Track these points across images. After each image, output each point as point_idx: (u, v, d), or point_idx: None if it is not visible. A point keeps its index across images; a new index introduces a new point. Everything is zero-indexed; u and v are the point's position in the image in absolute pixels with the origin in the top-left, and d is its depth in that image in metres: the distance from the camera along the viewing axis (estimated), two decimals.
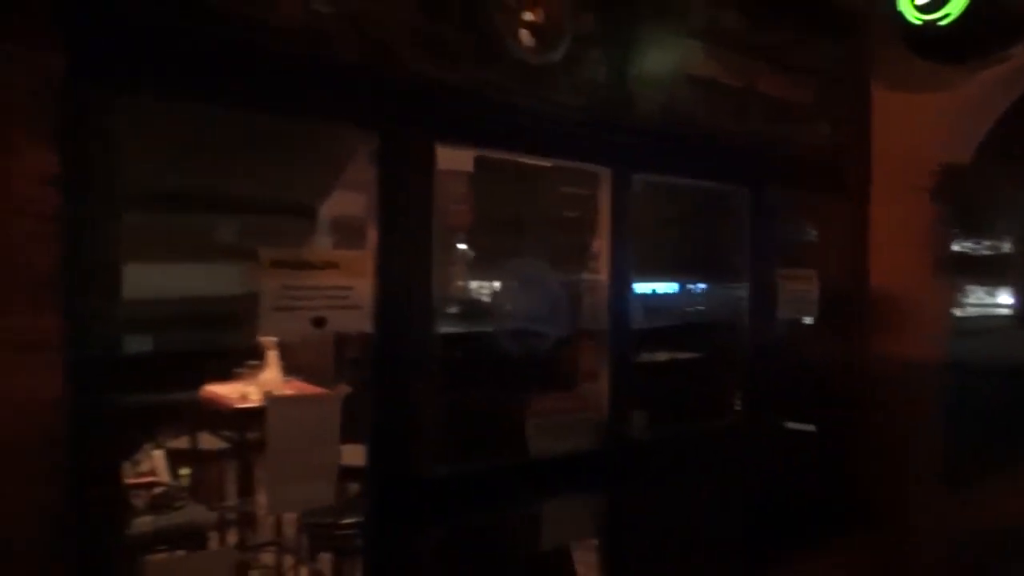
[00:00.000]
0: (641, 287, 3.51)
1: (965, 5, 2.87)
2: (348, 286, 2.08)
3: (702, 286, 3.96)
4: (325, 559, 3.16)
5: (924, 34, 3.07)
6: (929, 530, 3.78)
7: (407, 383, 2.19)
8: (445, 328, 2.67)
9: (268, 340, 3.52)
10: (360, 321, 2.10)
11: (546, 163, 2.61)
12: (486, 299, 2.47)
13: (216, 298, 2.29)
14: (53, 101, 1.41)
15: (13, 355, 1.32)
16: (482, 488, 2.40)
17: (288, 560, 2.83)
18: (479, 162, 2.35)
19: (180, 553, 2.07)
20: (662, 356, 3.43)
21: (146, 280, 2.13)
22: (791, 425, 3.77)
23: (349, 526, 2.77)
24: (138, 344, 2.20)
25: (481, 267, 2.61)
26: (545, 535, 2.54)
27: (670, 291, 4.12)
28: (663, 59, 2.87)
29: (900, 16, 3.16)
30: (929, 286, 3.73)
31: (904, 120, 3.71)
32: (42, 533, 1.50)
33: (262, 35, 1.88)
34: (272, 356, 3.49)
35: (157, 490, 2.65)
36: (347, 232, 2.47)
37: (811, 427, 3.87)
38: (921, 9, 3.06)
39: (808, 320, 3.57)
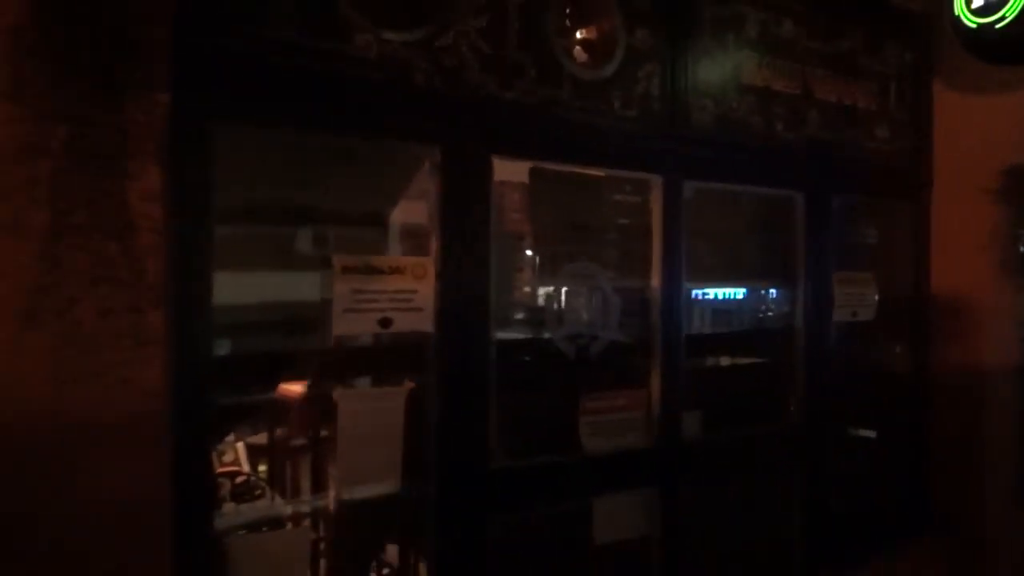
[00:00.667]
0: (696, 292, 3.62)
1: (1021, 7, 2.89)
2: (412, 289, 2.29)
3: (760, 291, 4.03)
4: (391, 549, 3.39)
5: (981, 38, 3.09)
6: (1002, 541, 3.75)
7: (468, 382, 2.37)
8: (509, 334, 2.86)
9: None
10: (423, 322, 2.30)
11: (599, 172, 2.76)
12: (545, 305, 2.63)
13: (296, 303, 2.52)
14: (161, 130, 1.65)
15: (135, 347, 1.56)
16: (539, 482, 2.57)
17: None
18: (534, 172, 2.53)
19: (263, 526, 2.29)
20: (716, 360, 3.53)
21: (235, 287, 2.37)
22: (853, 431, 3.82)
23: (414, 516, 2.97)
24: (227, 345, 2.45)
25: (539, 274, 2.78)
26: (600, 529, 2.68)
27: (727, 296, 4.20)
28: (716, 70, 3.00)
29: (958, 20, 3.19)
30: (995, 289, 3.72)
31: (968, 121, 3.71)
32: (145, 507, 1.73)
33: (340, 65, 2.10)
34: None
35: (239, 479, 2.91)
36: (413, 240, 2.67)
37: (871, 433, 3.91)
38: (976, 13, 3.09)
39: (869, 324, 3.60)
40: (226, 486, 2.97)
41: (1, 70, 1.45)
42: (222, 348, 2.43)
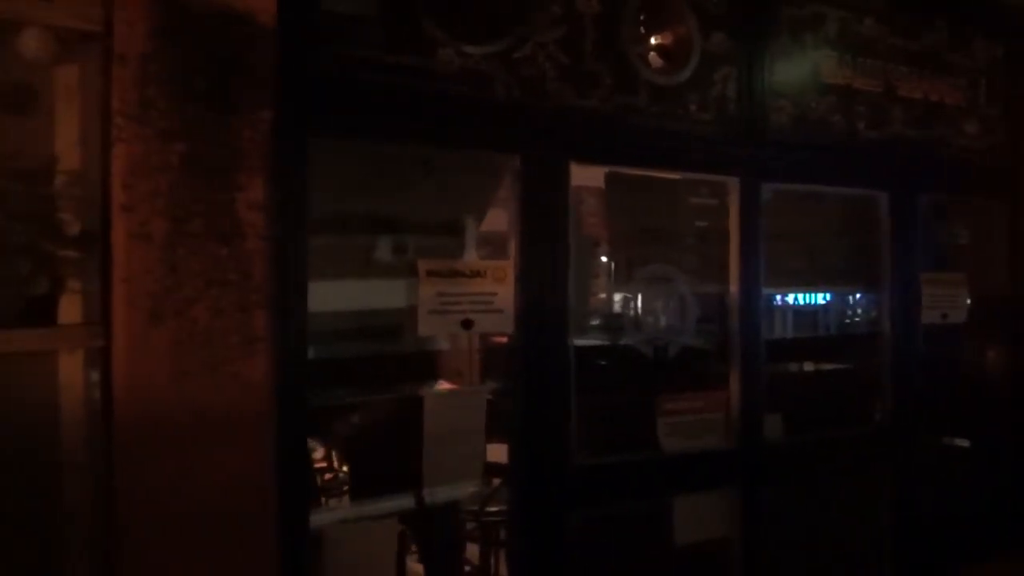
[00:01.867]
0: (777, 297, 3.61)
1: None
2: (493, 292, 2.39)
3: (845, 295, 3.98)
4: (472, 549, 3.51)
5: None
6: None
7: (548, 382, 2.46)
8: (587, 340, 2.94)
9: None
10: (503, 323, 2.40)
11: (675, 176, 2.81)
12: (624, 310, 2.70)
13: (383, 311, 2.66)
14: (266, 145, 1.81)
15: (242, 344, 1.72)
16: (618, 479, 2.63)
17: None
18: (611, 177, 2.60)
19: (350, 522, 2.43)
20: (800, 365, 3.51)
21: (326, 294, 2.53)
22: (944, 437, 3.72)
23: (494, 514, 3.08)
24: (319, 350, 2.62)
25: (616, 279, 2.85)
26: (680, 528, 2.72)
27: (809, 300, 4.16)
28: (794, 70, 3.01)
29: None
30: None
31: None
32: (250, 493, 1.89)
33: (424, 79, 2.24)
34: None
35: (328, 476, 3.08)
36: (490, 246, 2.79)
37: (964, 440, 3.79)
38: None
39: (962, 326, 3.51)
40: (317, 481, 3.14)
41: (130, 94, 1.63)
42: (315, 352, 2.61)
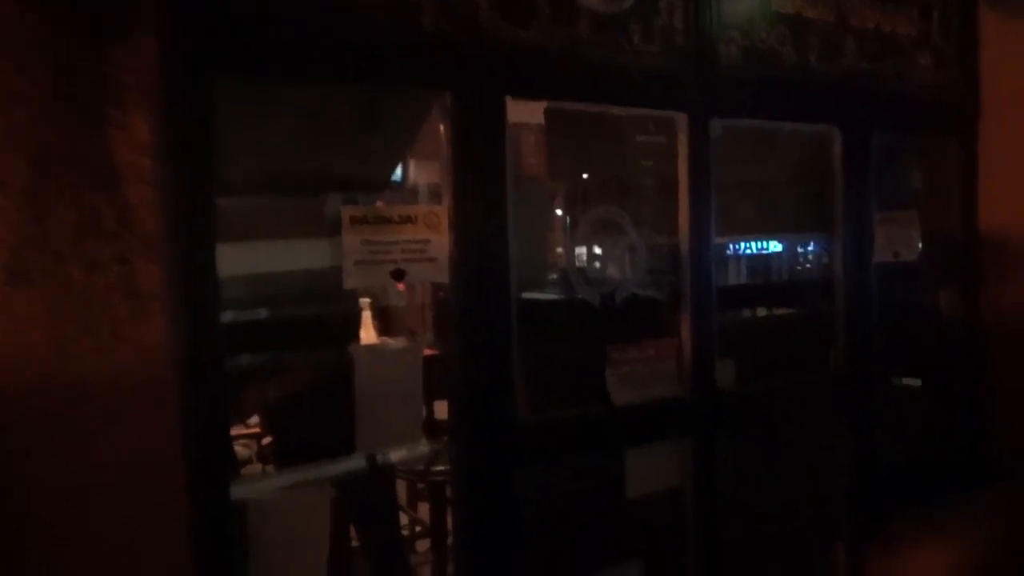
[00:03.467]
0: (730, 246, 3.47)
1: None
2: (425, 239, 2.20)
3: (798, 243, 3.86)
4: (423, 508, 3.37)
5: None
6: None
7: (488, 336, 2.28)
8: (539, 295, 2.76)
9: (363, 303, 3.73)
10: (437, 272, 2.21)
11: (620, 111, 2.61)
12: (570, 258, 2.52)
13: (322, 271, 2.44)
14: (150, 78, 1.56)
15: (125, 301, 1.50)
16: (566, 435, 2.48)
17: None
18: (551, 113, 2.40)
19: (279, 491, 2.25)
20: (751, 311, 3.39)
21: (263, 255, 2.31)
22: (899, 380, 3.66)
23: (441, 474, 2.93)
24: (248, 314, 2.40)
25: (565, 225, 2.66)
26: (632, 482, 2.59)
27: (762, 248, 4.04)
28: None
29: None
30: None
31: (1018, 48, 3.46)
32: (150, 469, 1.68)
33: (344, 12, 2.00)
34: (367, 317, 3.69)
35: (265, 442, 2.88)
36: (437, 200, 2.57)
37: (918, 381, 3.74)
38: None
39: (916, 268, 3.42)
40: (252, 447, 2.95)
41: None
42: (241, 315, 2.39)
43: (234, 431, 2.98)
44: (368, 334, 3.56)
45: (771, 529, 2.99)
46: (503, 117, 2.29)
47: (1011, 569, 3.50)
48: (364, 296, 3.67)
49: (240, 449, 2.92)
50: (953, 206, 3.66)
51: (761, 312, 3.44)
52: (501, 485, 2.32)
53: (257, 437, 2.88)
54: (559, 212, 3.11)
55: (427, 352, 3.05)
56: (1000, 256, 3.56)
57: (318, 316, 2.32)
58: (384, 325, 4.11)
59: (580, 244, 2.48)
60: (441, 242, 2.21)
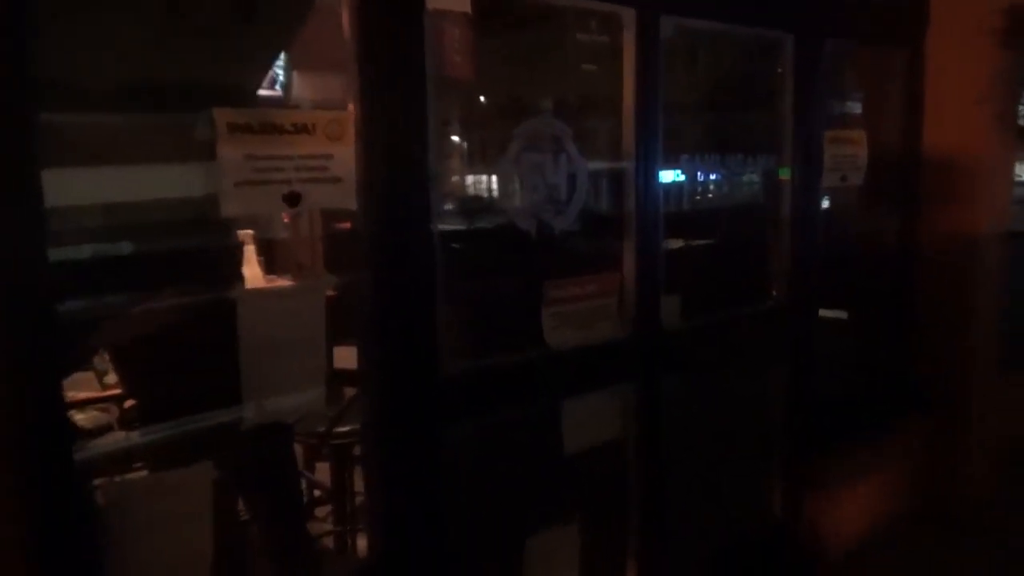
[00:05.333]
0: (672, 165, 3.23)
1: None
2: (326, 154, 1.82)
3: (741, 163, 3.66)
4: (323, 469, 3.05)
5: None
6: (988, 415, 3.66)
7: (406, 273, 1.95)
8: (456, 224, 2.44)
9: (246, 235, 3.29)
10: (342, 196, 1.84)
11: (558, 1, 2.27)
12: (502, 179, 2.19)
13: (187, 200, 1.99)
14: None
15: None
16: (496, 386, 2.21)
17: None
18: (482, 1, 2.03)
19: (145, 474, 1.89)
20: (694, 241, 3.19)
21: (118, 181, 1.87)
22: (832, 312, 3.59)
23: (347, 434, 2.62)
24: (103, 249, 1.96)
25: (488, 129, 2.32)
26: (570, 435, 2.37)
27: (703, 168, 3.82)
28: None
29: None
30: (992, 146, 3.45)
31: None
32: None
33: None
34: (250, 252, 3.26)
35: (128, 404, 2.47)
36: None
37: (854, 311, 3.70)
38: None
39: (858, 191, 3.30)
40: (113, 412, 2.53)
41: None
42: (86, 252, 1.95)
43: (89, 393, 2.54)
44: (252, 271, 3.14)
45: (711, 470, 2.87)
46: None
47: (937, 498, 3.59)
48: (246, 228, 3.24)
49: (98, 414, 2.50)
50: (894, 125, 3.56)
51: (699, 242, 3.25)
52: (422, 444, 2.03)
53: (118, 400, 2.46)
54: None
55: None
56: (941, 178, 3.50)
57: (187, 251, 1.91)
58: (267, 261, 3.69)
59: (513, 162, 2.16)
60: (346, 157, 1.84)
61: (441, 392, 2.03)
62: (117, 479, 1.93)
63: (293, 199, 1.79)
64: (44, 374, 1.46)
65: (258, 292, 2.03)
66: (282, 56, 4.56)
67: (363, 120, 1.86)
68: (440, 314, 1.99)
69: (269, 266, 3.74)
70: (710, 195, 3.31)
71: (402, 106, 1.91)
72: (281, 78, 4.84)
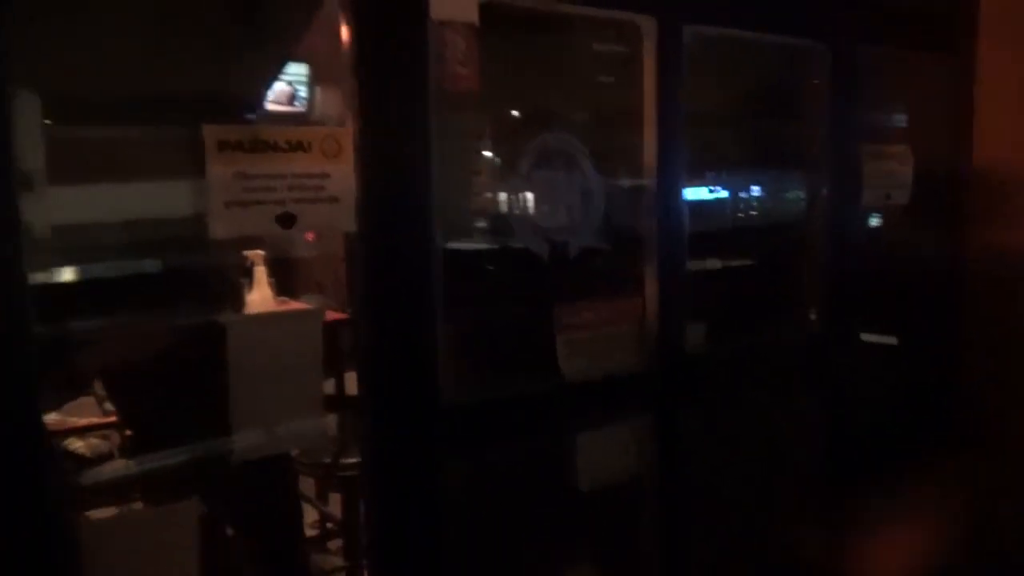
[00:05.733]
0: (697, 183, 3.11)
1: None
2: (323, 173, 1.74)
3: (772, 178, 3.52)
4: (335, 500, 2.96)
5: None
6: None
7: (404, 296, 1.86)
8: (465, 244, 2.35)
9: (255, 255, 3.23)
10: (339, 217, 1.76)
11: (573, 10, 2.17)
12: (512, 199, 2.09)
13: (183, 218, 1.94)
14: None
15: None
16: (506, 417, 2.10)
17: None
18: (488, 10, 1.94)
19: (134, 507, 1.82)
20: (721, 262, 3.05)
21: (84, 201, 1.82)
22: (870, 337, 3.41)
23: (356, 465, 2.53)
24: (86, 270, 1.91)
25: (500, 146, 2.22)
26: (585, 472, 2.24)
27: (732, 186, 3.68)
28: None
29: None
30: None
31: None
32: None
33: None
34: (260, 273, 3.19)
35: (128, 433, 2.42)
36: None
37: (896, 339, 3.51)
38: None
39: (901, 210, 3.13)
40: (113, 439, 2.48)
41: None
42: (67, 274, 1.90)
43: (89, 419, 2.49)
44: (262, 293, 3.07)
45: (738, 510, 2.71)
46: (424, 8, 1.83)
47: (986, 539, 3.36)
48: (256, 247, 3.18)
49: (97, 442, 2.45)
50: (941, 138, 3.37)
51: (723, 263, 3.11)
52: (422, 477, 1.93)
53: (119, 427, 2.41)
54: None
55: (335, 315, 2.62)
56: (992, 196, 3.30)
57: (177, 272, 1.84)
58: (285, 281, 3.62)
59: (524, 180, 2.06)
60: (344, 176, 1.76)
61: (441, 422, 1.93)
62: (101, 513, 1.86)
63: (287, 220, 1.71)
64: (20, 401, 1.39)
65: (249, 317, 1.95)
66: (305, 71, 4.54)
67: (361, 136, 1.78)
68: (441, 339, 1.89)
69: (284, 287, 3.67)
70: (741, 213, 3.16)
71: (403, 121, 1.83)
72: (303, 94, 4.82)
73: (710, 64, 2.58)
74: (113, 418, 2.44)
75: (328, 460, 2.56)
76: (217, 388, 1.68)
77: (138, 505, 1.99)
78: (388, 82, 1.81)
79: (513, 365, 2.23)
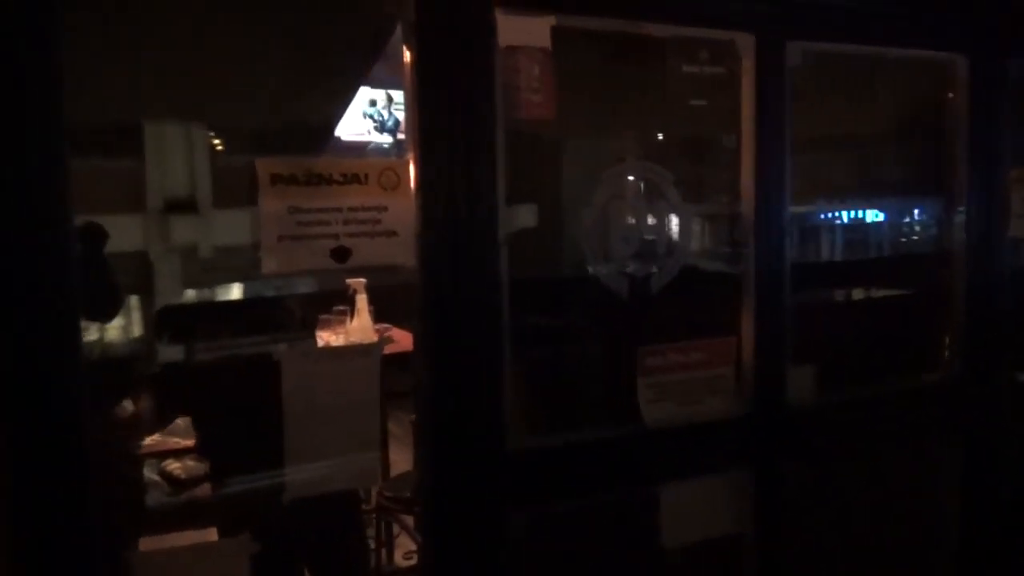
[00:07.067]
0: (821, 215, 2.87)
1: None
2: (380, 206, 1.71)
3: (904, 208, 3.21)
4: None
5: None
6: None
7: (471, 333, 1.78)
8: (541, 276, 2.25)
9: (357, 282, 3.27)
10: (396, 251, 1.72)
11: (659, 31, 2.04)
12: (592, 228, 1.97)
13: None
14: None
15: None
16: (577, 465, 1.96)
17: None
18: (560, 33, 1.84)
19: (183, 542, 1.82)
20: (841, 296, 2.78)
21: None
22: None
23: None
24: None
25: (575, 179, 2.11)
26: (670, 527, 2.06)
27: (858, 217, 3.39)
28: None
29: None
30: None
31: None
32: None
33: None
34: (362, 300, 3.23)
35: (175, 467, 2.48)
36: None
37: None
38: None
39: None
40: (204, 464, 2.54)
41: None
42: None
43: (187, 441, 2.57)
44: (361, 322, 3.10)
45: None
46: (491, 34, 1.76)
47: None
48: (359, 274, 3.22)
49: (193, 464, 2.52)
50: None
51: (848, 296, 2.83)
52: (483, 528, 1.83)
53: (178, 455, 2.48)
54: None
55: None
56: None
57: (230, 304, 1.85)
58: (389, 308, 3.65)
59: (601, 210, 1.93)
60: (403, 209, 1.72)
61: (506, 470, 1.83)
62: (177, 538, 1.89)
63: (341, 254, 1.68)
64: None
65: (307, 350, 1.93)
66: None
67: (422, 168, 1.72)
68: (506, 381, 1.80)
69: (388, 313, 3.71)
70: (863, 243, 2.89)
71: (467, 153, 1.75)
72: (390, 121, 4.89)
73: (821, 81, 2.36)
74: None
75: (408, 495, 2.51)
76: (271, 422, 1.66)
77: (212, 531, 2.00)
78: (453, 109, 1.75)
79: (590, 409, 2.09)
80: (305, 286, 3.89)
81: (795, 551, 2.21)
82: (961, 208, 2.54)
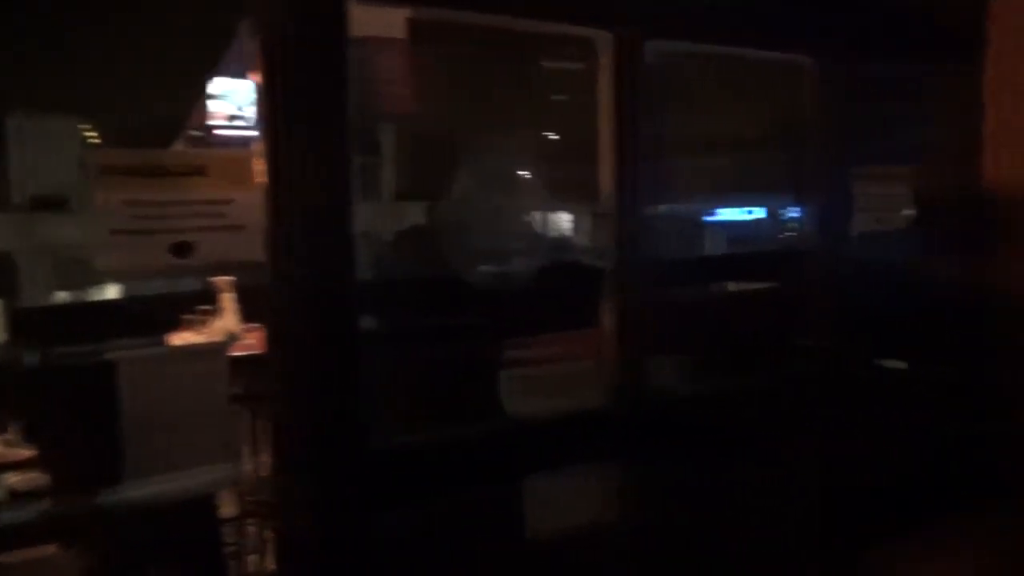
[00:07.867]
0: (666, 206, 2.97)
1: None
2: (225, 199, 1.65)
3: (769, 207, 3.35)
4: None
5: None
6: None
7: (320, 330, 1.74)
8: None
9: (222, 281, 3.14)
10: (243, 246, 1.66)
11: (516, 26, 2.06)
12: (450, 219, 1.97)
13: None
14: None
15: None
16: (441, 463, 1.95)
17: None
18: (417, 26, 1.83)
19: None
20: (704, 290, 2.88)
21: None
22: (889, 370, 3.17)
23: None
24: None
25: (432, 171, 2.10)
26: (534, 520, 2.09)
27: (702, 210, 3.52)
28: None
29: None
30: None
31: None
32: None
33: None
34: (227, 299, 3.11)
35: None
36: None
37: (904, 364, 3.26)
38: None
39: (914, 233, 2.93)
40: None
41: None
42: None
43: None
44: (226, 322, 2.98)
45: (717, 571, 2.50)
46: (343, 24, 1.73)
47: None
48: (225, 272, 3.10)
49: (35, 475, 2.35)
50: (953, 150, 3.16)
51: (710, 291, 2.93)
52: (347, 532, 1.79)
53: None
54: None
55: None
56: (1013, 215, 3.07)
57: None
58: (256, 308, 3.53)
59: (462, 202, 1.93)
60: (249, 203, 1.66)
61: (369, 470, 1.80)
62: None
63: (182, 249, 1.61)
64: None
65: (147, 354, 1.84)
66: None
67: (271, 160, 1.67)
68: (364, 380, 1.77)
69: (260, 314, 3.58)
70: (744, 240, 3.02)
71: (318, 144, 1.71)
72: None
73: (684, 82, 2.44)
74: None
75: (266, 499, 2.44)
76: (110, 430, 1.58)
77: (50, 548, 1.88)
78: (303, 99, 1.70)
79: (461, 406, 2.08)
80: (189, 285, 3.67)
81: (659, 539, 2.26)
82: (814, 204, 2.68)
